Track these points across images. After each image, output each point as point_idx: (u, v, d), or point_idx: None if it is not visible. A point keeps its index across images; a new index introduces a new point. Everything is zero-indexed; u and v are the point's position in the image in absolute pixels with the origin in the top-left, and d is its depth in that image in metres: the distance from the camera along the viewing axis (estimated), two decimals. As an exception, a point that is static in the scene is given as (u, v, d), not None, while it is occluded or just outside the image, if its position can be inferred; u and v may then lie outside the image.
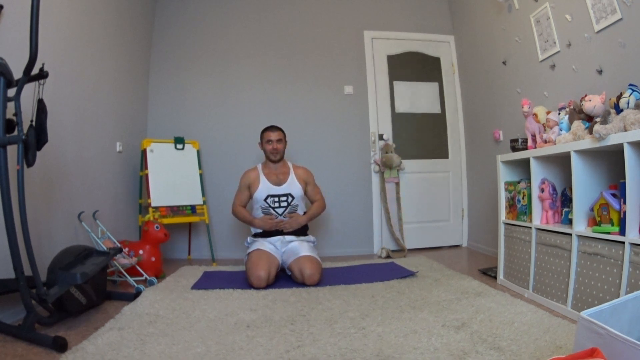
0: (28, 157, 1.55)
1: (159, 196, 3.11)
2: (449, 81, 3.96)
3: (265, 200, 2.66)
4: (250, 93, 3.75)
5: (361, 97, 3.83)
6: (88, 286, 1.88)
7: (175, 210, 3.17)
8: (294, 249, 2.56)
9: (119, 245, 2.49)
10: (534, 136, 2.26)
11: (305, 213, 2.76)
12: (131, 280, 2.40)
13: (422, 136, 3.88)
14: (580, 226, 1.81)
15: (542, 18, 2.63)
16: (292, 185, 2.71)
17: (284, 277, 2.58)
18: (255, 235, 2.71)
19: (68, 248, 1.94)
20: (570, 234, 1.83)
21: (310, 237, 2.75)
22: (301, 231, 2.73)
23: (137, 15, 3.41)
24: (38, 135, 1.60)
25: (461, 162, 3.92)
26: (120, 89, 3.10)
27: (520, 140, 2.46)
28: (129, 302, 2.04)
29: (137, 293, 2.16)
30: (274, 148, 2.70)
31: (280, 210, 2.66)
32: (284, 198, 2.67)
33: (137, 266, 2.56)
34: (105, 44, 2.85)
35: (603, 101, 1.81)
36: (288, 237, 2.65)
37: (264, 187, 2.67)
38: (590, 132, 1.73)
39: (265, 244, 2.58)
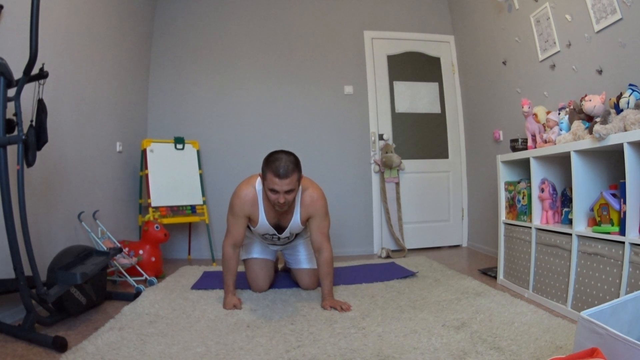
0: (28, 157, 1.56)
1: (159, 196, 3.11)
2: (449, 81, 3.96)
3: (262, 235, 2.21)
4: (250, 93, 3.75)
5: (361, 97, 3.82)
6: (88, 286, 1.88)
7: (175, 210, 3.17)
8: (295, 252, 2.38)
9: (119, 245, 2.49)
10: (534, 136, 2.26)
11: (323, 283, 2.06)
12: (131, 280, 2.40)
13: (422, 136, 3.88)
14: (580, 226, 1.81)
15: (542, 18, 2.63)
16: (294, 227, 2.13)
17: (284, 277, 2.58)
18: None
19: (68, 248, 1.94)
20: (570, 234, 1.83)
21: (305, 235, 2.47)
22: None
23: (137, 15, 3.41)
24: (38, 135, 1.61)
25: (461, 162, 3.92)
26: (120, 89, 3.10)
27: (520, 140, 2.46)
28: (129, 302, 2.04)
29: (137, 293, 2.16)
30: (280, 203, 1.87)
31: (279, 242, 2.28)
32: (285, 237, 2.22)
33: (137, 266, 2.56)
34: (105, 44, 2.85)
35: (603, 101, 1.81)
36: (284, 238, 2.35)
37: (262, 227, 2.10)
38: (590, 132, 1.73)
39: (262, 248, 2.36)
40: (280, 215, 2.07)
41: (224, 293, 2.07)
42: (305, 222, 2.13)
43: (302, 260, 2.36)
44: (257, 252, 2.34)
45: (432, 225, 3.85)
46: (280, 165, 1.81)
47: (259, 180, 2.04)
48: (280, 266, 2.81)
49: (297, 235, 2.44)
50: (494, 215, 2.85)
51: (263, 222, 2.06)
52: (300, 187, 2.05)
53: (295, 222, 2.09)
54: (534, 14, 2.70)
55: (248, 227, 2.17)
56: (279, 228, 2.13)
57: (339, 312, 1.86)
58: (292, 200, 1.91)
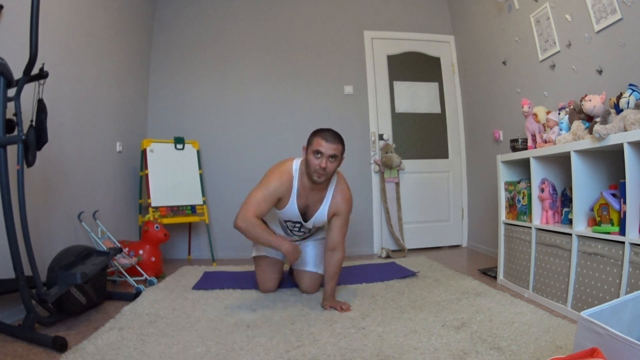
0: (28, 157, 1.56)
1: (159, 196, 3.11)
2: (449, 81, 3.96)
3: (285, 221, 2.16)
4: (250, 93, 3.75)
5: (361, 97, 3.82)
6: (88, 286, 1.88)
7: (175, 210, 3.17)
8: (302, 253, 2.27)
9: (119, 245, 2.49)
10: (534, 136, 2.26)
11: (327, 278, 2.06)
12: (131, 280, 2.40)
13: (422, 136, 3.88)
14: (580, 226, 1.81)
15: (542, 18, 2.63)
16: (317, 220, 2.09)
17: (284, 277, 2.57)
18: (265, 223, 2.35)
19: (68, 248, 1.94)
20: (570, 234, 1.83)
21: (318, 236, 2.46)
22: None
23: (137, 15, 3.41)
24: (38, 135, 1.61)
25: (461, 162, 3.92)
26: (120, 89, 3.10)
27: (520, 140, 2.46)
28: (129, 302, 2.04)
29: (137, 293, 2.16)
30: (321, 167, 1.85)
31: (299, 234, 2.25)
32: (304, 229, 2.20)
33: (137, 266, 2.56)
34: (105, 44, 2.85)
35: (603, 101, 1.81)
36: (297, 240, 2.34)
37: (290, 211, 2.05)
38: (590, 132, 1.73)
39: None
40: (308, 204, 2.05)
41: (276, 245, 1.94)
42: (330, 218, 2.08)
43: (309, 262, 2.28)
44: (268, 251, 2.27)
45: (432, 225, 3.85)
46: (330, 132, 1.91)
47: (295, 160, 2.04)
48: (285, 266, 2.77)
49: (312, 234, 2.38)
50: (494, 215, 2.84)
51: (293, 204, 2.01)
52: (336, 178, 2.07)
53: (322, 213, 2.06)
54: (534, 14, 2.70)
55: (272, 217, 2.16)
56: (305, 214, 2.08)
57: (339, 312, 1.86)
58: (330, 173, 1.91)
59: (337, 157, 1.91)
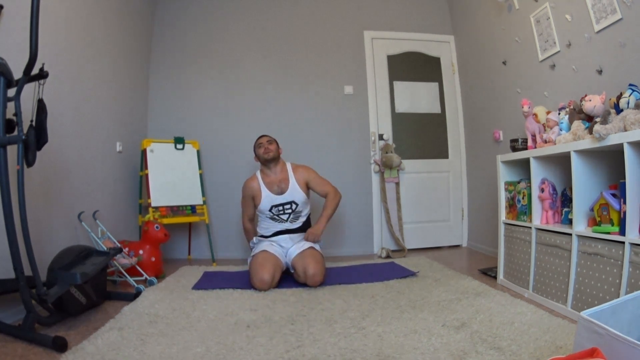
0: (28, 157, 1.56)
1: (159, 196, 3.11)
2: (449, 81, 3.96)
3: (270, 210, 2.63)
4: (250, 93, 3.75)
5: (361, 97, 3.83)
6: (88, 286, 1.88)
7: (175, 210, 3.17)
8: (299, 246, 2.53)
9: (119, 245, 2.49)
10: (534, 136, 2.26)
11: (322, 212, 2.65)
12: (131, 280, 2.40)
13: (422, 136, 3.88)
14: (580, 226, 1.81)
15: (542, 18, 2.63)
16: (294, 192, 2.63)
17: (284, 277, 2.58)
18: (262, 236, 2.67)
19: (68, 248, 1.94)
20: (570, 234, 1.83)
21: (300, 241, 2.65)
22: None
23: (137, 15, 3.41)
24: (38, 135, 1.61)
25: (461, 162, 3.92)
26: (120, 89, 3.10)
27: (520, 140, 2.46)
28: (129, 302, 2.04)
29: (137, 293, 2.16)
30: (266, 148, 2.64)
31: (285, 217, 2.64)
32: (288, 206, 2.63)
33: (137, 266, 2.56)
34: (105, 44, 2.85)
35: (603, 101, 1.81)
36: (296, 237, 2.62)
37: (267, 199, 2.61)
38: (590, 132, 1.73)
39: (271, 246, 2.52)
40: (278, 184, 2.64)
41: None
42: (305, 187, 2.67)
43: (305, 243, 2.52)
44: (267, 247, 2.51)
45: (432, 225, 3.85)
46: (261, 135, 2.81)
47: (257, 172, 2.75)
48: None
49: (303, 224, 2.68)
50: (494, 215, 2.85)
51: (265, 191, 2.63)
52: (290, 164, 2.75)
53: (293, 185, 2.64)
54: (534, 14, 2.70)
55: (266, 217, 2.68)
56: (281, 193, 2.62)
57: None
58: (274, 150, 2.66)
59: (273, 142, 2.70)
